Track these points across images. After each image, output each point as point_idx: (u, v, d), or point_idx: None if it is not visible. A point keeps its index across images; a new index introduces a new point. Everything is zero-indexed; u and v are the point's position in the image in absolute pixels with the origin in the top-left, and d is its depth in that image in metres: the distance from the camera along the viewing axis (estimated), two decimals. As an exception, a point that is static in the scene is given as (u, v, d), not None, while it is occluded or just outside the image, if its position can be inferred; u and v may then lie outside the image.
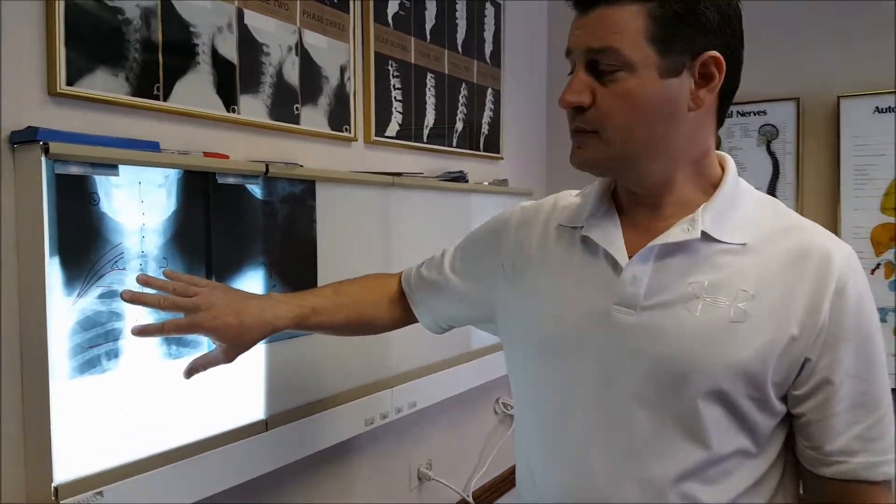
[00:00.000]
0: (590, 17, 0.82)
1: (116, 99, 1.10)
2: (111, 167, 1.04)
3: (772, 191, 2.19)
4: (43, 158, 0.95)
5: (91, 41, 1.06)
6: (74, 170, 1.00)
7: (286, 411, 1.33)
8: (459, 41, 1.95)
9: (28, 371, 0.99)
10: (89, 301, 1.03)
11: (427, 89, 1.82)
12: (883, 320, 1.99)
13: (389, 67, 1.68)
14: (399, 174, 1.59)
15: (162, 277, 0.98)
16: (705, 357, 0.81)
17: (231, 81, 1.28)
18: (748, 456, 0.84)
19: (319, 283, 1.38)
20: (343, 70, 1.54)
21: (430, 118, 1.83)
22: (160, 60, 1.16)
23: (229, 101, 1.28)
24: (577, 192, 1.01)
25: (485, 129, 2.09)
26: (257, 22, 1.33)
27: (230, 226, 1.22)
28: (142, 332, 0.93)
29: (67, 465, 0.99)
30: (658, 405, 0.83)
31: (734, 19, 0.83)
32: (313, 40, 1.46)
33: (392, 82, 1.69)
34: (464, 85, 1.98)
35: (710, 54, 0.82)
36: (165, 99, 1.17)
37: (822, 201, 2.11)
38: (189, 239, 1.16)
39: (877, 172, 2.03)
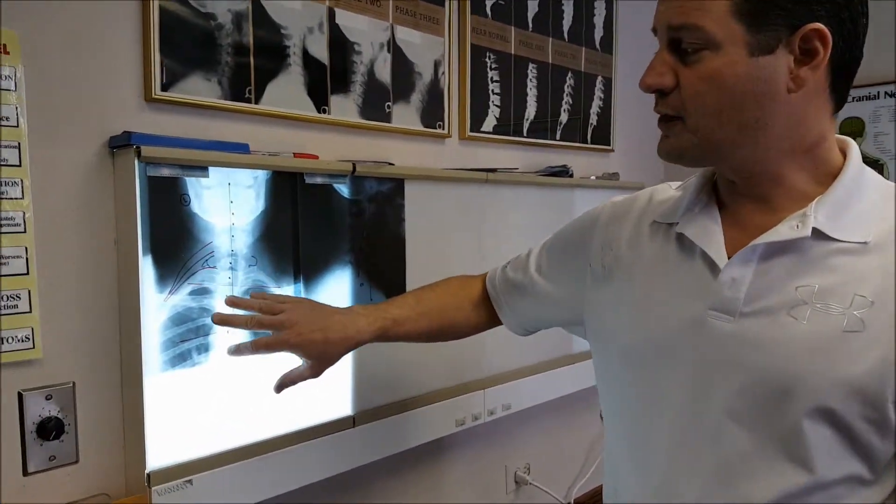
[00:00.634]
0: None
1: (209, 103, 1.14)
2: (201, 169, 1.08)
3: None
4: (136, 161, 1.00)
5: (185, 47, 1.10)
6: (166, 172, 1.04)
7: (373, 408, 1.33)
8: (566, 28, 1.87)
9: (125, 363, 1.05)
10: (181, 298, 1.07)
11: (528, 80, 1.76)
12: None
13: (487, 60, 1.64)
14: (493, 170, 1.55)
15: (246, 296, 1.03)
16: (812, 371, 0.72)
17: (322, 82, 1.29)
18: (861, 483, 0.74)
19: (408, 282, 1.38)
20: (437, 65, 1.51)
21: (530, 111, 1.77)
22: (251, 63, 1.19)
23: (320, 102, 1.29)
24: (679, 183, 0.92)
25: (593, 119, 2.00)
26: (349, 20, 1.33)
27: (318, 225, 1.24)
28: (236, 351, 0.99)
29: (159, 453, 1.05)
30: (755, 423, 0.75)
31: None
32: (406, 36, 1.44)
33: (489, 75, 1.65)
34: (570, 74, 1.90)
35: (812, 27, 0.71)
36: (257, 102, 1.20)
37: None
38: (277, 238, 1.19)
39: None
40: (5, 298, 0.93)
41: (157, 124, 1.09)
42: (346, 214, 1.28)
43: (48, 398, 0.98)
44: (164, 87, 1.09)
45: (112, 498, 1.04)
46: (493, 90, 1.66)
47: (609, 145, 2.07)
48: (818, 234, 0.74)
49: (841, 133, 0.83)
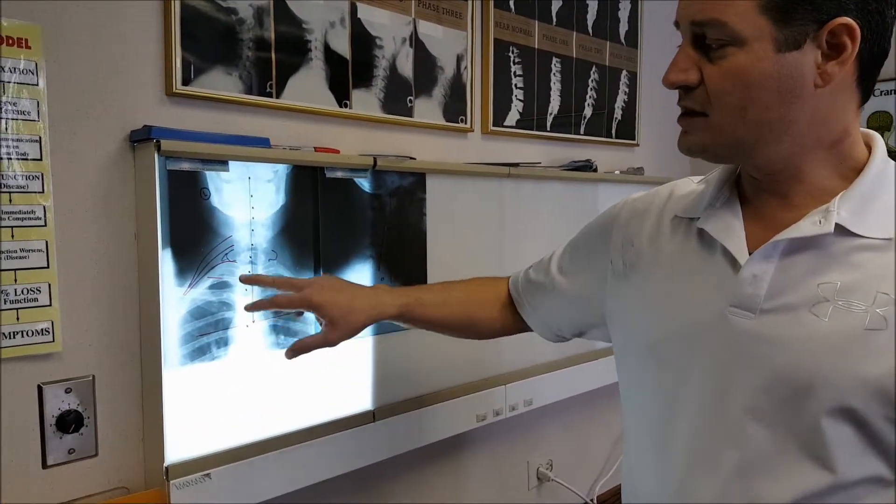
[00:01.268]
0: None
1: (230, 97, 1.14)
2: (221, 163, 1.08)
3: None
4: (156, 155, 1.00)
5: (206, 42, 1.10)
6: (185, 166, 1.04)
7: (394, 403, 1.33)
8: (590, 22, 1.84)
9: (145, 357, 1.06)
10: (200, 291, 1.07)
11: (552, 75, 1.73)
12: None
13: (510, 54, 1.62)
14: (515, 164, 1.53)
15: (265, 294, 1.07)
16: (833, 369, 0.70)
17: (343, 76, 1.29)
18: (883, 485, 0.72)
19: (429, 277, 1.37)
20: (459, 59, 1.50)
21: (554, 105, 1.75)
22: (273, 58, 1.18)
23: (341, 96, 1.29)
24: (700, 178, 0.90)
25: (618, 114, 1.97)
26: (371, 15, 1.32)
27: (338, 219, 1.23)
28: (254, 306, 0.99)
29: (178, 447, 1.05)
30: (775, 421, 0.73)
31: None
32: (428, 30, 1.43)
33: (513, 69, 1.63)
34: (594, 68, 1.87)
35: (840, 21, 0.69)
36: (278, 96, 1.19)
37: None
38: (297, 232, 1.18)
39: None
40: (25, 292, 0.94)
41: (177, 118, 1.09)
42: (367, 209, 1.28)
43: (68, 391, 0.99)
44: (185, 82, 1.09)
45: (131, 491, 1.05)
46: (516, 84, 1.64)
47: (634, 140, 2.04)
48: (841, 230, 0.72)
49: (868, 127, 0.80)
